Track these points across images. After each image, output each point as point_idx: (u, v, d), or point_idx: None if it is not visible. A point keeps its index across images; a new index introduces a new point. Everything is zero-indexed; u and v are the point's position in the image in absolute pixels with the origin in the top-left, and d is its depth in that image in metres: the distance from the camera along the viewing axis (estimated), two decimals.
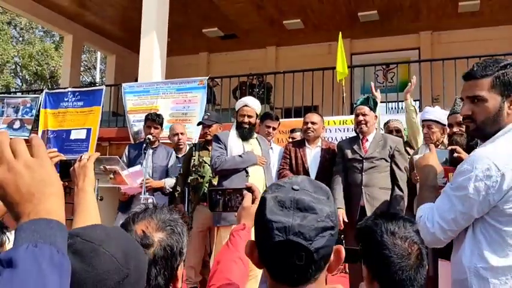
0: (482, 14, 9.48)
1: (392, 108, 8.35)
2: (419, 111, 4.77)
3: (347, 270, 4.46)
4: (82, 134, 7.33)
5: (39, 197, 0.63)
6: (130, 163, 4.20)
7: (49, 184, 0.64)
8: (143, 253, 0.92)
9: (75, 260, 0.75)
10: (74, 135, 7.38)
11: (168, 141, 4.92)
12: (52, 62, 19.98)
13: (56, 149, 1.83)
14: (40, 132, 7.51)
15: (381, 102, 4.66)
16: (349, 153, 3.59)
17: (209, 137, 4.00)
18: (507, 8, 9.12)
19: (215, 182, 3.80)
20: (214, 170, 3.66)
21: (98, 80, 18.52)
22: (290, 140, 4.87)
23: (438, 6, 9.28)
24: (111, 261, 0.79)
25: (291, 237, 0.76)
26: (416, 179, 3.29)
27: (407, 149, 3.80)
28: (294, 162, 3.90)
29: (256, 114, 3.72)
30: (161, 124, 4.34)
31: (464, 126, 1.63)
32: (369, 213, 3.26)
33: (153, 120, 4.25)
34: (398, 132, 4.17)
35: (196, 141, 4.85)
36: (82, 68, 17.26)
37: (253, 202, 1.38)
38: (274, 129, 4.27)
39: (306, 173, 3.80)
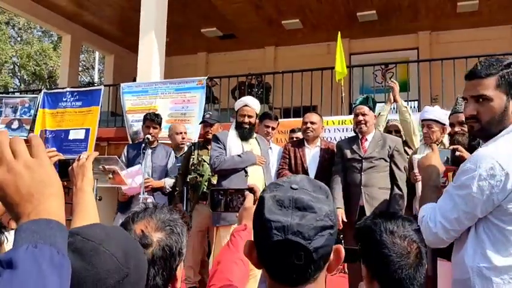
0: (481, 14, 9.49)
1: (391, 108, 8.33)
2: (418, 111, 4.79)
3: (346, 270, 4.47)
4: (81, 134, 7.32)
5: (39, 197, 0.62)
6: (129, 163, 4.19)
7: (49, 184, 0.64)
8: (143, 254, 0.92)
9: (75, 259, 0.75)
10: (72, 135, 7.37)
11: (167, 141, 4.92)
12: (50, 62, 19.94)
13: (54, 149, 1.82)
14: (38, 132, 7.49)
15: (380, 102, 4.67)
16: (348, 153, 3.59)
17: (210, 136, 4.01)
18: (506, 8, 9.14)
19: (214, 180, 3.80)
20: (213, 170, 3.66)
21: (96, 80, 18.49)
22: (294, 139, 4.87)
23: (437, 6, 9.28)
24: (111, 261, 0.79)
25: (290, 237, 0.75)
26: (415, 179, 3.29)
27: (406, 148, 3.80)
28: (293, 162, 3.90)
29: (256, 114, 3.72)
30: (160, 124, 4.34)
31: (466, 125, 1.60)
32: (368, 213, 3.26)
33: (152, 120, 4.25)
34: (397, 132, 4.17)
35: (195, 141, 4.84)
36: (80, 68, 17.25)
37: (254, 203, 1.37)
38: (273, 129, 4.27)
39: (305, 173, 3.80)
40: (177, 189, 4.11)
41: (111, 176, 3.49)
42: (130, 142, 6.38)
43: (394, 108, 7.17)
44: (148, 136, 4.14)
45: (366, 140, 3.61)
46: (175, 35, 10.04)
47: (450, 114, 2.99)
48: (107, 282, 0.77)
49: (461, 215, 1.43)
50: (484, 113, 1.47)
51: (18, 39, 21.18)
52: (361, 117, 3.57)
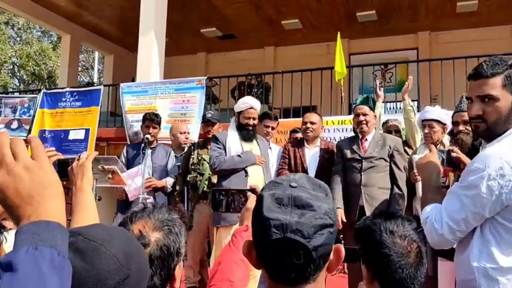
0: (480, 14, 9.50)
1: (390, 108, 8.36)
2: (418, 111, 4.78)
3: (346, 270, 4.46)
4: (80, 134, 7.31)
5: (39, 199, 0.62)
6: (129, 163, 4.18)
7: (49, 186, 0.64)
8: (145, 254, 0.92)
9: (76, 259, 0.75)
10: (72, 136, 7.36)
11: (167, 141, 4.91)
12: (50, 62, 19.93)
13: (53, 148, 1.82)
14: (37, 133, 7.49)
15: None
16: (348, 153, 3.59)
17: (211, 135, 4.02)
18: (505, 8, 9.14)
19: (214, 179, 3.81)
20: (213, 170, 3.66)
21: (95, 80, 18.48)
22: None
23: (436, 6, 9.29)
24: (112, 261, 0.78)
25: (289, 235, 0.74)
26: (415, 179, 3.28)
27: (406, 148, 3.80)
28: (293, 162, 3.89)
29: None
30: (159, 124, 4.33)
31: (470, 125, 1.57)
32: (368, 213, 3.25)
33: (152, 120, 4.24)
34: (397, 132, 4.17)
35: (195, 141, 4.84)
36: (80, 68, 17.24)
37: None
38: (273, 129, 4.28)
39: (305, 172, 3.80)
40: (177, 189, 4.11)
41: (110, 176, 3.49)
42: (129, 143, 6.38)
43: (394, 108, 7.17)
44: (148, 136, 4.13)
45: (366, 140, 3.60)
46: (174, 35, 10.04)
47: (454, 113, 2.96)
48: (107, 283, 0.76)
49: (469, 216, 1.40)
50: (490, 113, 1.45)
51: (18, 39, 21.16)
52: (362, 117, 3.56)
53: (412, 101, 4.14)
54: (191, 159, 4.08)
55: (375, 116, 3.76)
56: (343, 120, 6.25)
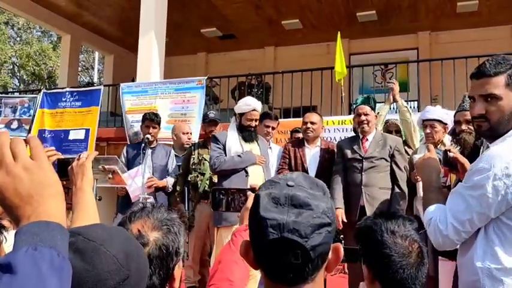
0: (480, 14, 9.49)
1: (391, 108, 8.34)
2: (418, 111, 4.78)
3: (346, 271, 4.46)
4: (81, 134, 7.31)
5: (39, 199, 0.62)
6: (129, 163, 4.18)
7: (48, 186, 0.63)
8: (144, 254, 0.91)
9: (76, 259, 0.75)
10: (72, 136, 7.36)
11: (168, 142, 4.90)
12: (50, 62, 19.93)
13: (53, 148, 1.82)
14: (36, 132, 7.48)
15: (380, 102, 4.66)
16: (348, 153, 3.59)
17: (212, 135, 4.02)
18: (505, 8, 9.14)
19: (215, 179, 3.80)
20: (213, 171, 3.66)
21: (95, 80, 18.48)
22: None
23: (436, 6, 9.29)
24: (112, 262, 0.78)
25: (286, 235, 0.73)
26: (416, 179, 3.28)
27: (406, 148, 3.79)
28: (293, 162, 3.89)
29: None
30: (159, 123, 4.33)
31: (473, 124, 1.56)
32: (368, 213, 3.25)
33: (152, 119, 4.24)
34: (397, 132, 4.16)
35: (196, 141, 4.84)
36: (80, 68, 17.25)
37: None
38: (273, 128, 4.27)
39: (305, 172, 3.79)
40: (178, 189, 4.10)
41: (110, 176, 3.48)
42: (129, 143, 6.38)
43: (394, 108, 7.18)
44: (148, 136, 4.12)
45: (367, 140, 3.60)
46: (175, 35, 10.04)
47: (456, 112, 2.95)
48: (107, 284, 0.76)
49: (474, 216, 1.39)
50: (493, 112, 1.44)
51: (18, 39, 21.16)
52: (363, 117, 3.55)
53: (412, 101, 4.14)
54: (192, 159, 4.08)
55: (376, 115, 3.76)
56: (344, 120, 6.25)
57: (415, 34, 10.67)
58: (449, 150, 1.83)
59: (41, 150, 0.66)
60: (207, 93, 7.38)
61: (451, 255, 1.64)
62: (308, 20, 10.20)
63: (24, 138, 0.69)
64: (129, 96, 7.28)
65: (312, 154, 3.91)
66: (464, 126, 2.79)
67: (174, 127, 4.80)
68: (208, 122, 4.26)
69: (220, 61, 12.12)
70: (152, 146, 4.22)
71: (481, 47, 8.33)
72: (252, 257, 0.81)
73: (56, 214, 0.62)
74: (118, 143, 7.47)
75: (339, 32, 7.05)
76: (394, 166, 3.49)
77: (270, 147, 4.10)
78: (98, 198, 3.17)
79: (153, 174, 4.13)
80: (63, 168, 1.53)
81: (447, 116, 3.33)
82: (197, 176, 4.02)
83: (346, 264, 4.09)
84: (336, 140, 5.43)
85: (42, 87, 13.85)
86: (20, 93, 10.43)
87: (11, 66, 21.26)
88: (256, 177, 3.46)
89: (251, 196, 1.38)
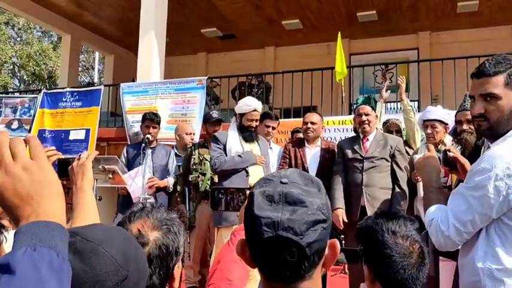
0: (481, 14, 9.49)
1: (391, 108, 8.35)
2: (419, 111, 4.77)
3: (346, 271, 4.46)
4: (81, 135, 7.31)
5: (38, 199, 0.61)
6: (129, 164, 4.17)
7: (48, 186, 0.63)
8: (144, 255, 0.91)
9: (74, 260, 0.74)
10: (73, 136, 7.36)
11: (168, 142, 4.90)
12: (50, 62, 19.94)
13: (54, 148, 1.81)
14: (36, 132, 7.48)
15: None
16: (349, 153, 3.58)
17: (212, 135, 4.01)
18: (506, 9, 9.14)
19: (216, 178, 3.80)
20: (214, 171, 3.66)
21: (96, 80, 18.49)
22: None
23: (437, 6, 9.29)
24: (111, 262, 0.77)
25: (280, 233, 0.72)
26: (416, 179, 3.27)
27: (407, 148, 3.79)
28: (293, 162, 3.89)
29: None
30: (159, 123, 4.33)
31: (473, 123, 1.56)
32: (369, 213, 3.24)
33: (152, 119, 4.23)
34: (398, 132, 4.16)
35: (197, 141, 4.84)
36: (80, 68, 17.25)
37: None
38: (273, 128, 4.27)
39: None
40: (178, 189, 4.10)
41: (110, 176, 3.48)
42: (130, 143, 6.38)
43: (394, 108, 7.16)
44: (149, 136, 4.12)
45: (367, 139, 3.59)
46: (175, 35, 10.04)
47: (458, 111, 2.94)
48: (105, 284, 0.75)
49: (476, 217, 1.38)
50: (492, 111, 1.43)
51: (18, 39, 21.18)
52: (364, 117, 3.55)
53: (412, 101, 4.14)
54: (192, 159, 4.07)
55: (376, 115, 3.75)
56: (344, 120, 6.25)
57: (416, 34, 10.67)
58: (449, 150, 1.83)
59: (40, 149, 0.66)
60: (208, 94, 7.37)
61: (452, 255, 1.63)
62: (308, 20, 10.20)
63: (24, 138, 0.68)
64: (129, 96, 7.28)
65: (312, 154, 3.90)
66: (465, 126, 2.77)
67: (177, 127, 4.79)
68: (213, 122, 4.25)
69: (220, 61, 12.12)
70: (152, 146, 4.22)
71: (481, 47, 8.33)
72: (248, 256, 0.81)
73: (56, 214, 0.62)
74: (118, 143, 7.47)
75: (339, 32, 7.05)
76: (395, 166, 3.49)
77: (271, 147, 4.10)
78: (98, 198, 3.17)
79: (153, 174, 4.12)
80: (63, 168, 1.53)
81: (448, 116, 3.32)
82: (198, 176, 4.01)
83: (346, 265, 4.09)
84: (336, 140, 5.42)
85: (42, 88, 13.86)
86: (20, 94, 10.44)
87: (12, 67, 21.28)
88: (256, 177, 3.46)
89: None
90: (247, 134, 3.62)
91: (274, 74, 8.65)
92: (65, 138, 7.38)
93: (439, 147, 3.10)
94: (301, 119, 4.22)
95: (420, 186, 3.11)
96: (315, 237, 0.74)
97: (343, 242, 3.70)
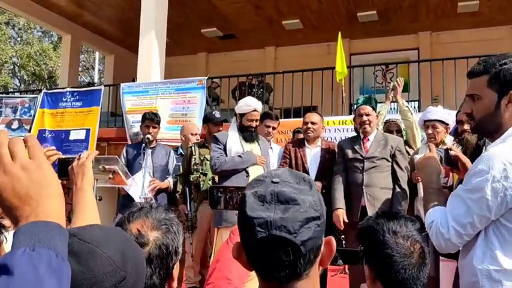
0: (481, 14, 9.49)
1: (392, 108, 8.34)
2: (419, 111, 4.76)
3: (347, 271, 4.45)
4: (81, 135, 7.31)
5: (38, 199, 0.61)
6: (129, 164, 4.16)
7: (47, 185, 0.62)
8: (142, 255, 0.90)
9: (71, 261, 0.73)
10: (73, 136, 7.36)
11: (169, 143, 4.90)
12: (50, 62, 19.95)
13: (54, 147, 1.81)
14: (36, 132, 7.49)
15: (381, 102, 4.65)
16: (349, 153, 3.57)
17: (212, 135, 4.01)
18: (506, 9, 9.14)
19: (217, 178, 3.80)
20: (214, 171, 3.66)
21: (96, 80, 18.49)
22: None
23: (437, 6, 9.29)
24: (108, 263, 0.76)
25: (274, 232, 0.72)
26: (417, 179, 3.27)
27: (407, 148, 3.78)
28: (293, 162, 3.88)
29: None
30: (159, 123, 4.33)
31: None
32: (370, 213, 3.23)
33: (152, 119, 4.23)
34: (398, 131, 4.16)
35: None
36: (80, 69, 17.26)
37: None
38: (274, 128, 4.27)
39: (306, 172, 3.78)
40: (178, 190, 4.09)
41: (111, 176, 3.47)
42: (130, 143, 6.37)
43: (395, 108, 7.14)
44: (149, 136, 4.12)
45: (368, 139, 3.59)
46: (175, 35, 10.04)
47: (458, 111, 2.94)
48: (103, 286, 0.75)
49: (475, 219, 1.38)
50: (476, 111, 1.49)
51: (18, 39, 21.18)
52: (365, 118, 3.54)
53: (413, 101, 4.13)
54: (193, 159, 4.07)
55: (377, 116, 3.75)
56: (344, 120, 6.24)
57: (416, 34, 10.67)
58: (451, 149, 1.83)
59: (39, 149, 0.65)
60: (209, 95, 7.37)
61: (453, 255, 1.63)
62: (308, 20, 10.20)
63: (23, 138, 0.68)
64: (129, 96, 7.29)
65: (312, 154, 3.90)
66: (466, 126, 2.77)
67: (183, 127, 4.81)
68: (216, 122, 4.24)
69: (220, 61, 12.13)
70: (152, 146, 4.22)
71: (481, 47, 8.33)
72: (245, 259, 0.80)
73: (55, 214, 0.61)
74: (118, 143, 7.47)
75: (339, 32, 7.04)
76: (395, 166, 3.48)
77: (271, 147, 4.09)
78: (98, 198, 3.16)
79: (153, 174, 4.12)
80: (63, 168, 1.52)
81: (449, 116, 3.32)
82: (199, 177, 4.01)
83: (347, 265, 4.08)
84: (336, 140, 5.42)
85: (42, 88, 13.86)
86: (20, 94, 10.43)
87: (12, 67, 21.29)
88: None
89: None
90: (248, 134, 3.62)
91: (275, 74, 8.65)
92: (65, 138, 7.38)
93: (439, 147, 3.10)
94: (302, 119, 4.21)
95: (421, 186, 3.11)
96: (309, 235, 0.74)
97: (344, 242, 3.70)
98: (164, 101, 7.03)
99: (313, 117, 3.97)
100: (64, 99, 7.66)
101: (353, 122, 4.16)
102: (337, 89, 7.74)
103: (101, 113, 7.54)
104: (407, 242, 1.25)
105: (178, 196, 4.08)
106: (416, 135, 3.91)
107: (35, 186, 0.62)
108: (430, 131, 3.28)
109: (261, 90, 8.98)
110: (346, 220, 3.43)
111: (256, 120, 3.66)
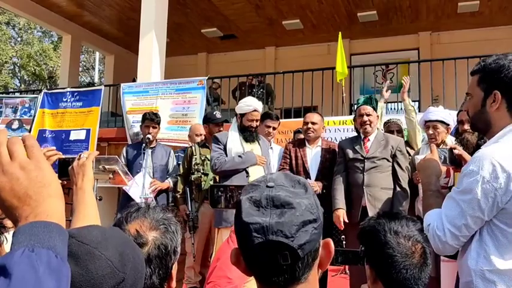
0: (481, 15, 9.49)
1: (392, 108, 8.34)
2: (419, 111, 4.76)
3: (347, 271, 4.45)
4: (81, 135, 7.31)
5: (37, 199, 0.60)
6: (129, 164, 4.17)
7: (46, 185, 0.62)
8: (141, 255, 0.90)
9: (70, 263, 0.73)
10: (73, 136, 7.35)
11: (168, 143, 4.90)
12: (50, 62, 19.95)
13: (54, 147, 1.81)
14: (36, 132, 7.48)
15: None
16: (350, 153, 3.57)
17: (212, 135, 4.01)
18: (506, 9, 9.14)
19: (218, 179, 3.80)
20: (214, 171, 3.66)
21: (96, 80, 18.49)
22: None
23: (437, 6, 9.28)
24: (107, 265, 0.76)
25: (271, 237, 0.72)
26: (418, 180, 3.26)
27: (408, 148, 3.78)
28: (294, 162, 3.88)
29: None
30: (159, 123, 4.33)
31: None
32: (370, 213, 3.23)
33: (152, 119, 4.23)
34: (398, 132, 4.15)
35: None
36: (80, 69, 17.25)
37: None
38: (274, 129, 4.26)
39: (306, 172, 3.78)
40: (179, 190, 4.09)
41: (111, 176, 3.47)
42: (130, 143, 6.37)
43: (395, 108, 7.15)
44: (149, 136, 4.12)
45: (369, 140, 3.58)
46: (175, 35, 10.05)
47: (459, 111, 2.95)
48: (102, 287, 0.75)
49: (469, 220, 1.39)
50: (469, 108, 1.56)
51: (19, 39, 21.18)
52: (366, 118, 3.54)
53: (413, 101, 4.13)
54: (194, 159, 4.07)
55: (378, 116, 3.74)
56: (344, 120, 6.24)
57: (416, 34, 10.66)
58: (455, 148, 1.84)
59: (37, 148, 0.65)
60: (210, 95, 7.36)
61: (454, 256, 1.63)
62: (309, 20, 10.20)
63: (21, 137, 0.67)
64: (129, 97, 7.28)
65: (313, 154, 3.90)
66: (466, 126, 2.78)
67: (191, 127, 4.85)
68: (217, 122, 4.24)
69: (220, 61, 12.12)
70: (152, 146, 4.22)
71: (482, 47, 8.33)
72: (243, 264, 0.80)
73: (55, 214, 0.61)
74: (119, 143, 7.47)
75: (339, 32, 7.04)
76: (396, 166, 3.48)
77: (271, 148, 4.09)
78: (98, 198, 3.16)
79: (153, 174, 4.12)
80: (63, 168, 1.52)
81: (450, 116, 3.31)
82: (200, 177, 4.01)
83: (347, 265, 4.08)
84: (336, 140, 5.42)
85: (43, 88, 13.87)
86: (20, 94, 10.43)
87: (12, 67, 21.29)
88: (257, 177, 3.45)
89: None
90: (248, 134, 3.62)
91: (275, 74, 8.65)
92: (65, 139, 7.38)
93: (440, 147, 3.10)
94: (302, 119, 4.21)
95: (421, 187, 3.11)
96: (307, 238, 0.73)
97: (344, 242, 3.70)
98: (164, 101, 7.02)
99: (313, 117, 3.96)
100: (64, 99, 7.66)
101: (353, 122, 4.16)
102: (337, 89, 7.73)
103: (101, 113, 7.53)
104: (409, 242, 1.25)
105: (179, 196, 4.08)
106: (417, 135, 3.91)
107: (34, 186, 0.61)
108: (430, 132, 3.28)
109: (261, 90, 8.97)
110: (347, 220, 3.42)
111: (257, 121, 3.65)
